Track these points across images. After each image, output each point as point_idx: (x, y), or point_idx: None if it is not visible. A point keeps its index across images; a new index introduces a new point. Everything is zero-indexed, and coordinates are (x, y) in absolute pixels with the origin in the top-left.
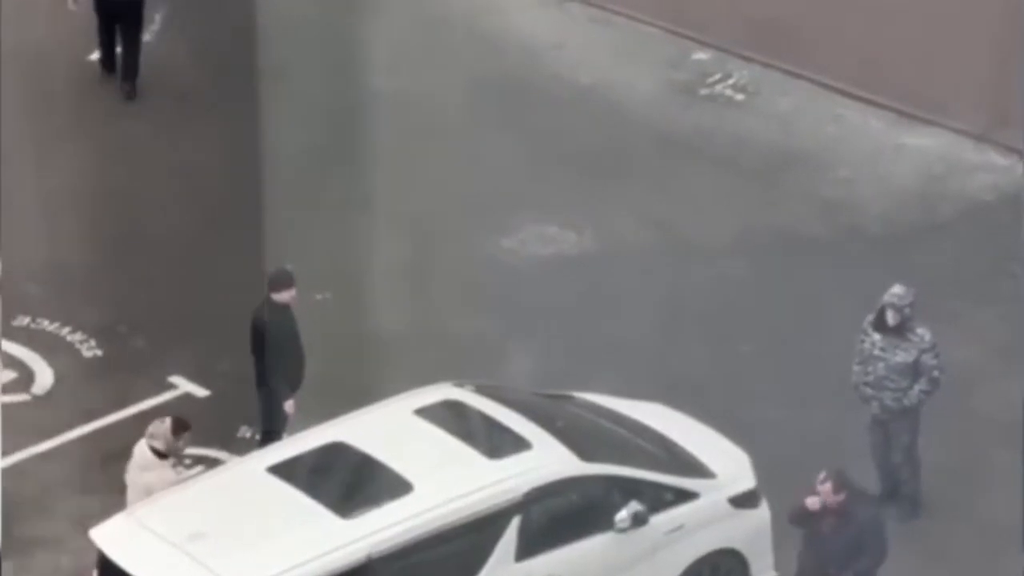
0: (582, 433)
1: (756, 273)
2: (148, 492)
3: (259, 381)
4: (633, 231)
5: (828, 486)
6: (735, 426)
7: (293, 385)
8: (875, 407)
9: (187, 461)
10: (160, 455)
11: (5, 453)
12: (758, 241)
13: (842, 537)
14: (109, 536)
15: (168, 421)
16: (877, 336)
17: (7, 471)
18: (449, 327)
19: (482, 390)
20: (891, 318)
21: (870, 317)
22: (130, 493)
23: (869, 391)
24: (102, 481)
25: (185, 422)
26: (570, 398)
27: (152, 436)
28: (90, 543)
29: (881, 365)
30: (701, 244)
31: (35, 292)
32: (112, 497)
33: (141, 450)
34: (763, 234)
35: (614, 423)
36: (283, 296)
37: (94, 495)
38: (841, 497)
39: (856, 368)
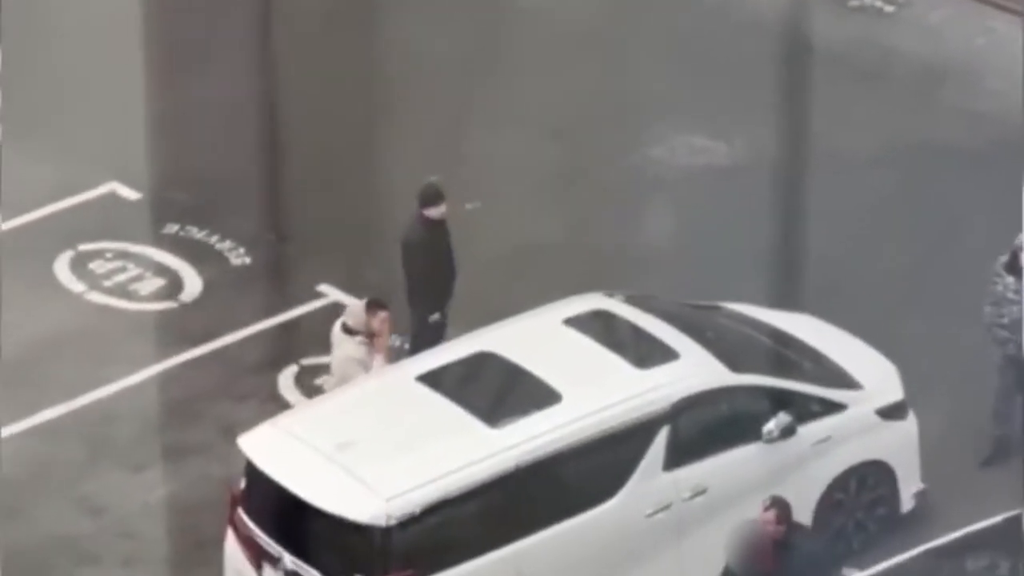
0: (731, 343)
1: (903, 185)
2: (338, 369)
3: (410, 296)
4: (782, 142)
5: (771, 515)
6: (882, 337)
7: (443, 300)
8: (1011, 348)
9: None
10: (349, 331)
11: (154, 360)
12: (906, 153)
13: (781, 571)
14: (257, 444)
15: (364, 300)
16: (1010, 279)
17: (156, 379)
18: (598, 237)
19: (631, 300)
20: None
21: (1003, 258)
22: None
23: (1004, 333)
24: (250, 389)
25: (380, 302)
26: (718, 308)
27: (346, 312)
28: (238, 451)
29: (1016, 308)
30: (849, 156)
31: (184, 200)
32: (261, 405)
33: (336, 328)
34: (911, 146)
35: (762, 334)
36: (434, 212)
37: (242, 403)
38: (782, 528)
39: (988, 309)
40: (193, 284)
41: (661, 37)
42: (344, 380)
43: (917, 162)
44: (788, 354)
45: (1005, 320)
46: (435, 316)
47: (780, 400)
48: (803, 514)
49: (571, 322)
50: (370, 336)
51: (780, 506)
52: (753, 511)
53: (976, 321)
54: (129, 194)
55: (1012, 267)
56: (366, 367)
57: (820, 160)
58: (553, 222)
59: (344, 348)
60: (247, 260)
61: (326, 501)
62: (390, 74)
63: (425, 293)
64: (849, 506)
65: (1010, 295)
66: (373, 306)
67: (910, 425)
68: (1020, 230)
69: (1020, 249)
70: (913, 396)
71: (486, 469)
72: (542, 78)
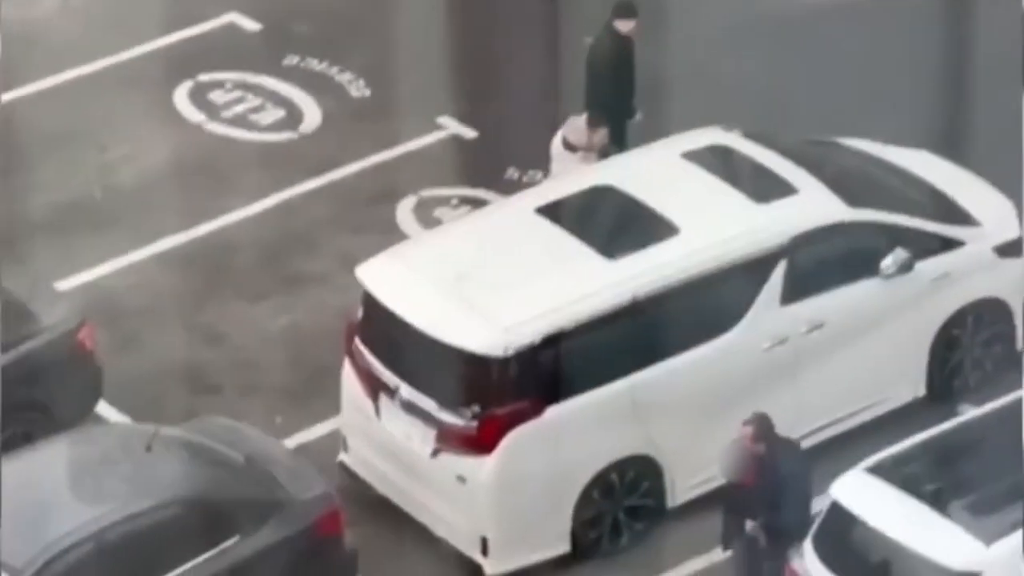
0: (849, 179)
1: None
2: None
3: (588, 102)
4: None
5: (749, 430)
6: (1001, 175)
7: (621, 115)
8: None
9: (453, 202)
10: (570, 148)
11: (273, 190)
12: None
13: (759, 489)
14: (375, 275)
15: (585, 116)
16: None
17: (275, 209)
18: (719, 70)
19: (750, 135)
20: None
21: None
22: None
23: None
24: (368, 220)
25: (600, 118)
26: (837, 144)
27: (567, 127)
28: (356, 281)
29: None
30: None
31: (304, 31)
32: (379, 236)
33: (556, 142)
34: None
35: (881, 169)
36: (623, 25)
37: (361, 234)
38: (759, 448)
39: None
40: (312, 115)
41: None
42: None
43: None
44: (906, 190)
45: None
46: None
47: (898, 236)
48: (920, 350)
49: (690, 156)
50: (589, 151)
51: (759, 423)
52: (870, 346)
53: None
54: (249, 25)
55: None
56: None
57: None
58: (673, 53)
59: (564, 163)
60: (366, 92)
61: (444, 332)
62: None
63: (603, 104)
64: (965, 343)
65: None
66: (593, 121)
67: None
68: None
69: None
70: None
71: (603, 301)
72: None
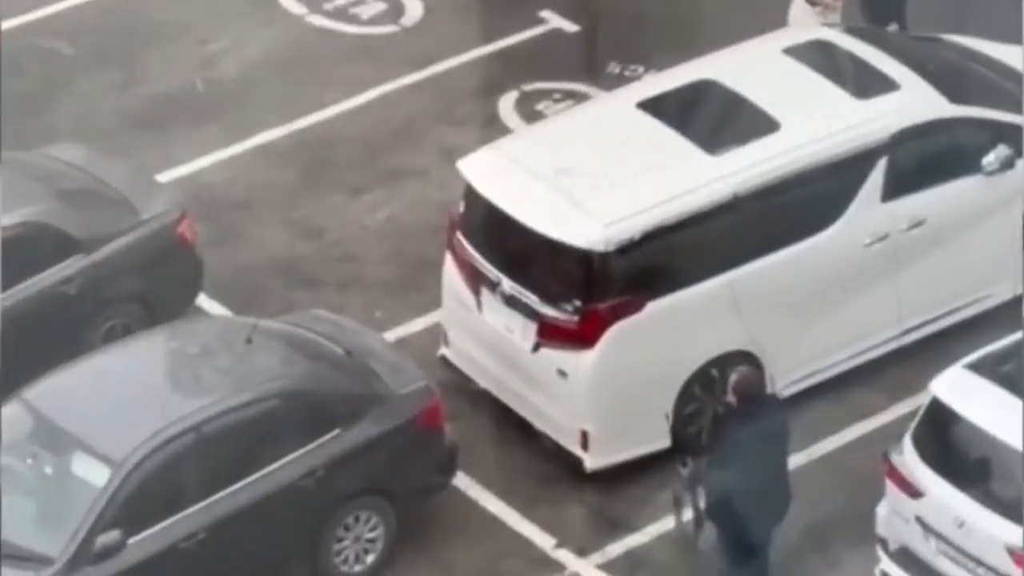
0: (951, 75)
1: None
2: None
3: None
4: None
5: (734, 379)
6: None
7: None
8: None
9: (555, 96)
10: (812, 2)
11: (373, 84)
12: None
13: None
14: (477, 168)
15: None
16: None
17: (376, 103)
18: None
19: (852, 31)
20: None
21: None
22: None
23: None
24: (470, 114)
25: None
26: (939, 40)
27: None
28: (457, 175)
29: None
30: None
31: None
32: (480, 130)
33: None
34: None
35: (983, 65)
36: None
37: (462, 128)
38: (734, 401)
39: None
40: (414, 8)
41: None
42: None
43: None
44: (1009, 87)
45: None
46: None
47: (1000, 132)
48: (1021, 248)
49: (791, 51)
50: (830, 8)
51: (739, 379)
52: (970, 243)
53: None
54: None
55: None
56: None
57: None
58: None
59: (798, 13)
60: None
61: (546, 226)
62: None
63: None
64: None
65: None
66: None
67: None
68: None
69: None
70: None
71: (704, 196)
72: None
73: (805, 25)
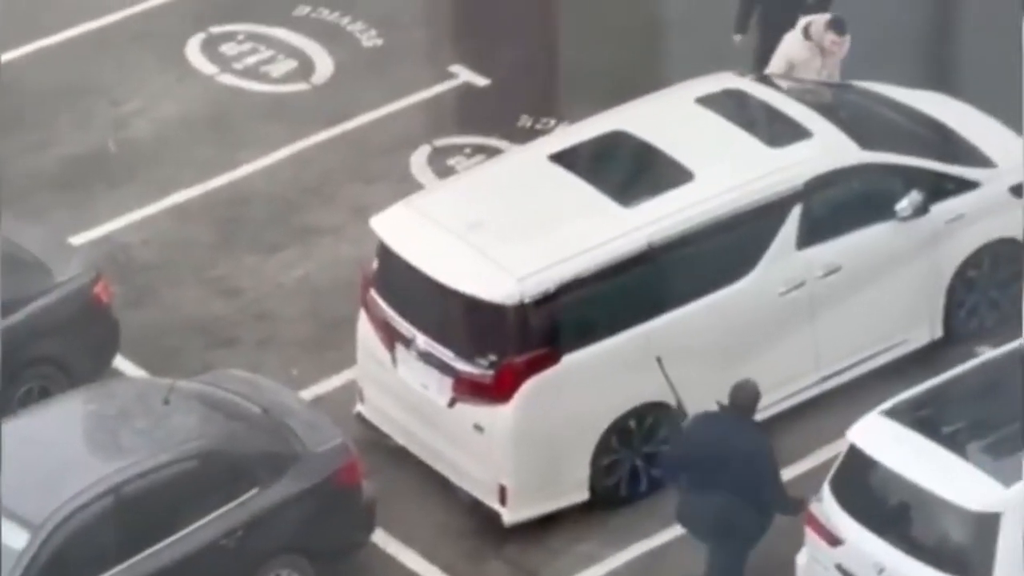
0: (863, 122)
1: None
2: (778, 59)
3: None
4: None
5: (737, 383)
6: (1015, 116)
7: None
8: None
9: (467, 151)
10: (807, 36)
11: (285, 142)
12: None
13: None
14: (389, 225)
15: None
16: None
17: (288, 161)
18: (728, 15)
19: (763, 79)
20: None
21: None
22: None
23: None
24: (382, 170)
25: (842, 26)
26: (850, 87)
27: (814, 19)
28: (370, 232)
29: None
30: None
31: None
32: (393, 186)
33: (800, 25)
34: None
35: (894, 112)
36: None
37: (374, 184)
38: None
39: None
40: (325, 66)
41: None
42: (777, 68)
43: None
44: (920, 132)
45: None
46: None
47: (913, 178)
48: (937, 292)
49: (703, 101)
50: (820, 49)
51: (740, 384)
52: (886, 289)
53: None
54: None
55: None
56: (801, 67)
57: None
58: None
59: (793, 43)
60: (378, 41)
61: (459, 281)
62: None
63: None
64: (982, 283)
65: None
66: (833, 25)
67: None
68: None
69: None
70: None
71: (618, 248)
72: None
73: (796, 60)
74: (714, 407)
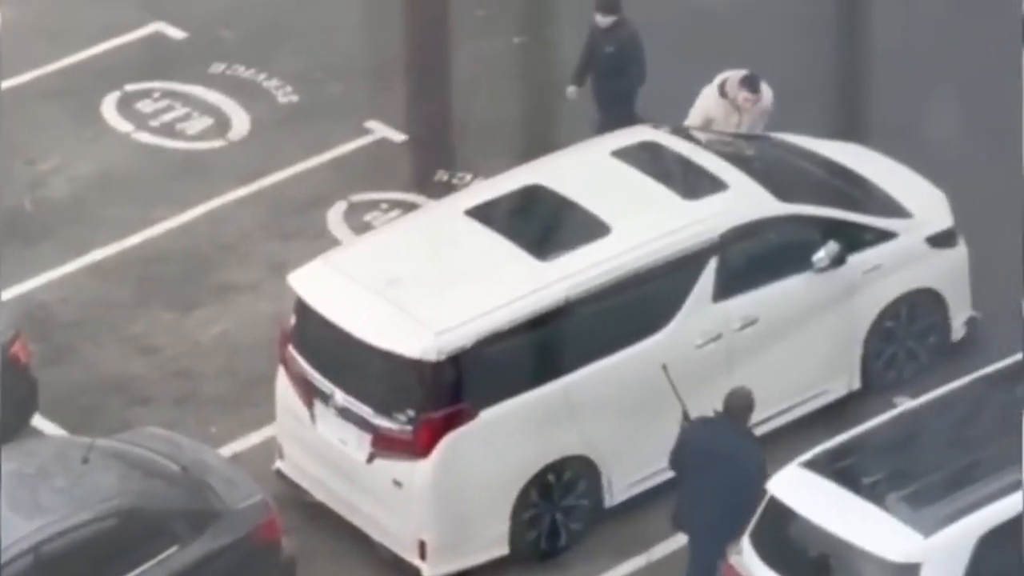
0: (779, 173)
1: (952, 12)
2: (694, 115)
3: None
4: None
5: (731, 390)
6: (931, 166)
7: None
8: None
9: (384, 206)
10: (723, 93)
11: (202, 199)
12: None
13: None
14: (306, 281)
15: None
16: None
17: (205, 218)
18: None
19: (678, 131)
20: None
21: None
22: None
23: None
24: (299, 226)
25: (755, 83)
26: (766, 138)
27: (729, 76)
28: (287, 288)
29: None
30: None
31: (230, 38)
32: (309, 242)
33: (716, 81)
34: None
35: (811, 163)
36: (601, 20)
37: (291, 241)
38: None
39: None
40: (241, 122)
41: None
42: (693, 123)
43: None
44: (837, 183)
45: None
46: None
47: (830, 229)
48: (854, 343)
49: (619, 154)
50: (735, 106)
51: (734, 392)
52: (804, 340)
53: None
54: (175, 33)
55: None
56: (718, 123)
57: None
58: None
59: (708, 99)
60: (294, 98)
61: (377, 337)
62: None
63: (600, 93)
64: (900, 334)
65: None
66: (746, 83)
67: (960, 253)
68: None
69: None
70: (965, 224)
71: (536, 302)
72: None
73: (712, 116)
74: (636, 457)
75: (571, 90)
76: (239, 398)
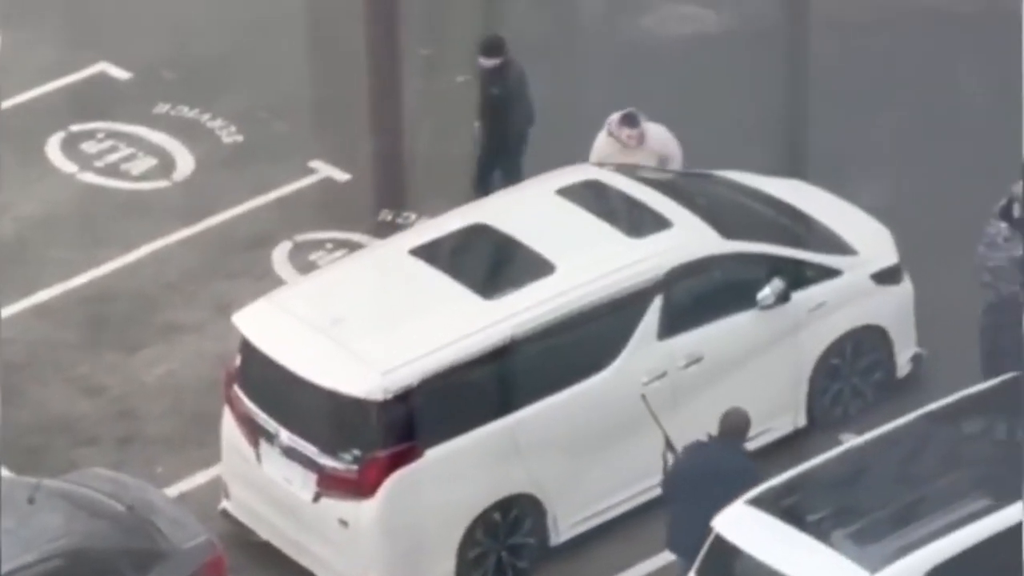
0: (723, 211)
1: (898, 49)
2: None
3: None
4: (773, 8)
5: (727, 410)
6: (876, 203)
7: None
8: (991, 295)
9: (328, 246)
10: (611, 134)
11: (147, 239)
12: (900, 17)
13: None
14: (251, 321)
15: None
16: (1003, 225)
17: (150, 258)
18: (589, 106)
19: (622, 169)
20: (1017, 210)
21: (1002, 202)
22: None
23: (987, 277)
24: (244, 266)
25: (633, 120)
26: (710, 176)
27: (614, 119)
28: (233, 328)
29: (1002, 255)
30: (842, 20)
31: (174, 79)
32: (255, 282)
33: (609, 124)
34: (905, 10)
35: (755, 200)
36: (484, 62)
37: (236, 280)
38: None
39: (980, 250)
40: (185, 162)
41: None
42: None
43: (911, 25)
44: (781, 220)
45: (990, 264)
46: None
47: (774, 267)
48: (800, 380)
49: (563, 192)
50: (621, 143)
51: (730, 412)
52: (749, 378)
53: (970, 181)
54: (119, 74)
55: (1005, 214)
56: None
57: (813, 24)
58: (545, 91)
59: (600, 140)
60: (238, 138)
61: (322, 376)
62: None
63: (487, 134)
64: (845, 371)
65: (1000, 241)
66: (625, 120)
67: (905, 289)
68: (1017, 94)
69: (1014, 198)
70: (910, 260)
71: (481, 341)
72: None
73: (607, 157)
74: (582, 495)
75: (477, 126)
76: (185, 438)
